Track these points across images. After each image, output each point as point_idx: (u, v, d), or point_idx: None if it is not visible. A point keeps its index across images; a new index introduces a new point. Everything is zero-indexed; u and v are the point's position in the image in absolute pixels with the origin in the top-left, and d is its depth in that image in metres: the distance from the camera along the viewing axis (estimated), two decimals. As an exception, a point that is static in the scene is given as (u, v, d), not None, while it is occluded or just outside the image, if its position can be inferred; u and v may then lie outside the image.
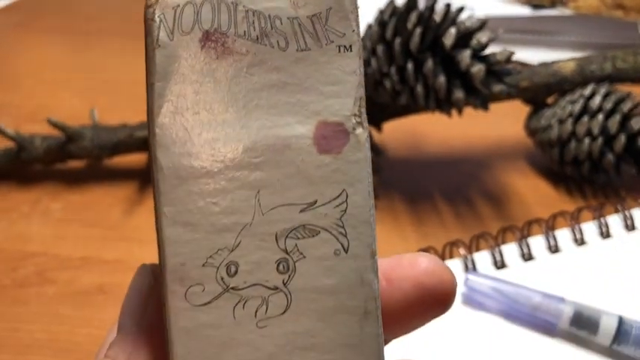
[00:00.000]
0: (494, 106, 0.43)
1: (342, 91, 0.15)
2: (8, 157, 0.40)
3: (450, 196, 0.41)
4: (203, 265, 0.15)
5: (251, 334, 0.15)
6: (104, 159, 0.42)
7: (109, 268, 0.37)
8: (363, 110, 0.15)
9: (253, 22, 0.14)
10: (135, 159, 0.43)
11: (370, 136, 0.39)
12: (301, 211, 0.15)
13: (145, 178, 0.42)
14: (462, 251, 0.34)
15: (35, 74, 0.53)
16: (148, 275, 0.17)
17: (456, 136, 0.46)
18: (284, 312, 0.15)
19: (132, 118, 0.42)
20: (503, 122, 0.46)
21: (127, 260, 0.37)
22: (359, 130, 0.15)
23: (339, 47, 0.15)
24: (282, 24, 0.15)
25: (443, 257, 0.34)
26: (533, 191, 0.42)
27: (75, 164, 0.43)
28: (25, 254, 0.37)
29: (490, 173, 0.43)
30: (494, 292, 0.31)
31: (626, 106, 0.38)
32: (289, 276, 0.15)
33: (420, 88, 0.34)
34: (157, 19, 0.14)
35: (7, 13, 0.67)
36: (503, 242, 0.35)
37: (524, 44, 0.54)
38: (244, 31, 0.14)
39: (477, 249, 0.35)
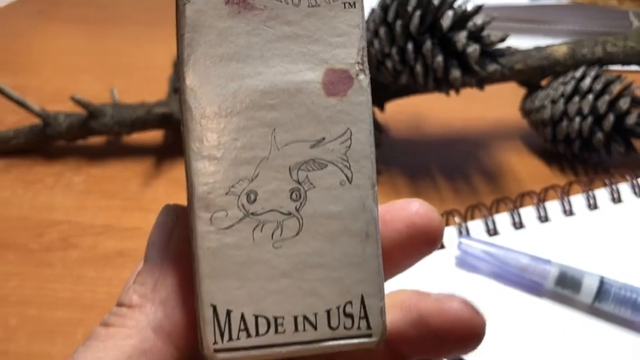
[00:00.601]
0: (491, 89, 0.45)
1: (347, 42, 0.17)
2: (34, 132, 0.43)
3: (448, 173, 0.43)
4: (226, 193, 0.17)
5: (268, 254, 0.17)
6: (123, 135, 0.44)
7: (128, 235, 0.39)
8: (365, 59, 0.17)
9: None
10: (152, 136, 0.46)
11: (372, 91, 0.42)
12: (311, 146, 0.17)
13: (161, 154, 0.45)
14: (457, 219, 0.36)
15: (56, 60, 0.56)
16: (172, 213, 0.19)
17: (455, 118, 0.49)
18: (296, 235, 0.17)
19: (148, 99, 0.45)
20: (501, 105, 0.49)
21: (145, 227, 0.39)
22: (361, 76, 0.17)
23: (345, 4, 0.17)
24: None
25: (440, 225, 0.37)
26: (527, 169, 0.44)
27: (96, 140, 0.45)
28: (50, 222, 0.40)
29: (487, 152, 0.46)
30: (485, 255, 0.34)
31: (615, 88, 0.40)
32: (301, 203, 0.17)
33: (419, 68, 0.37)
34: None
35: (29, 2, 0.70)
36: (497, 212, 0.38)
37: (521, 32, 0.57)
38: None
39: (472, 218, 0.37)
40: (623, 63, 0.43)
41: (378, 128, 0.42)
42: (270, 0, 0.17)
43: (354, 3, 0.17)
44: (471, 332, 0.17)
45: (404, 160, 0.45)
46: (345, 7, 0.17)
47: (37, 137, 0.43)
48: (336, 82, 0.17)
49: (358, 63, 0.17)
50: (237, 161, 0.17)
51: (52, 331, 0.33)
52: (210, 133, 0.17)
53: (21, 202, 0.41)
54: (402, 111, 0.48)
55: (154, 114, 0.42)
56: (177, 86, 0.45)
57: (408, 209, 0.19)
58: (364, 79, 0.17)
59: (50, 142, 0.44)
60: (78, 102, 0.41)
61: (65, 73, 0.54)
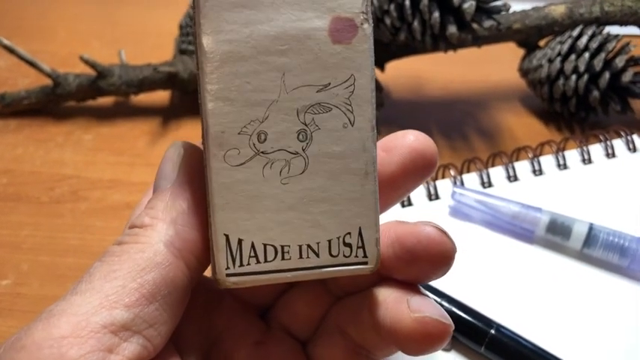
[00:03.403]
0: (491, 53, 0.46)
1: None
2: (45, 93, 0.44)
3: (447, 132, 0.45)
4: (239, 133, 0.19)
5: (276, 189, 0.19)
6: (131, 95, 0.46)
7: (135, 189, 0.41)
8: (369, 9, 0.19)
9: None
10: (159, 97, 0.47)
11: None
12: (318, 91, 0.19)
13: (167, 114, 0.46)
14: (452, 172, 0.38)
15: (68, 26, 0.57)
16: (179, 147, 0.21)
17: (455, 81, 0.50)
18: (302, 172, 0.19)
19: (155, 64, 0.46)
20: (500, 68, 0.50)
21: (152, 182, 0.41)
22: (365, 25, 0.19)
23: None
24: None
25: (435, 179, 0.38)
26: (524, 128, 0.45)
27: (104, 101, 0.47)
28: (60, 176, 0.41)
29: (485, 113, 0.47)
30: (478, 204, 0.35)
31: (611, 46, 0.41)
32: (307, 143, 0.19)
33: (416, 24, 0.37)
34: None
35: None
36: (492, 166, 0.39)
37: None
38: None
39: (467, 171, 0.39)
40: (621, 23, 0.44)
41: (379, 88, 0.43)
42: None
43: None
44: (440, 253, 0.20)
45: (404, 120, 0.46)
46: None
47: (47, 97, 0.44)
48: (342, 30, 0.18)
49: (363, 12, 0.18)
50: (248, 103, 0.19)
51: (63, 275, 0.35)
52: (224, 76, 0.18)
53: (32, 158, 0.43)
54: (403, 74, 0.49)
55: (160, 73, 0.43)
56: (182, 48, 0.46)
57: (407, 136, 0.21)
58: (368, 28, 0.19)
59: (60, 102, 0.45)
60: (86, 62, 0.42)
61: (77, 39, 0.55)
